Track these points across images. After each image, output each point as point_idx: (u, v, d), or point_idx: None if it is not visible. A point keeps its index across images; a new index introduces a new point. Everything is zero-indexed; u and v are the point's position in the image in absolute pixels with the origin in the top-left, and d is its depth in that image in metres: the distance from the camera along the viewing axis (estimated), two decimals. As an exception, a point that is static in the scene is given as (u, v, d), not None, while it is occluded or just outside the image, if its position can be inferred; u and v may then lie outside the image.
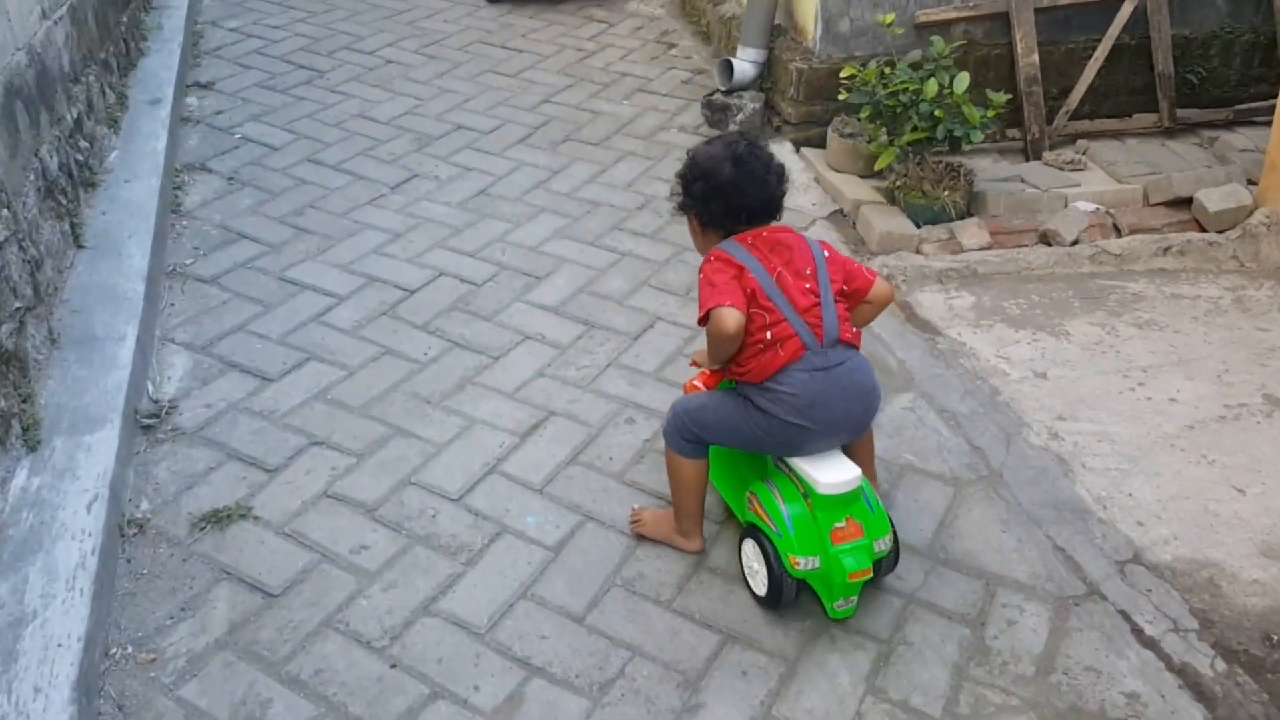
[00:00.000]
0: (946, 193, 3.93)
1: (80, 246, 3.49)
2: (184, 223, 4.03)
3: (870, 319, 2.56)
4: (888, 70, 3.96)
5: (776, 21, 4.78)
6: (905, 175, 4.01)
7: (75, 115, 3.76)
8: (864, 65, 4.11)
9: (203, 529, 2.64)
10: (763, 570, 2.44)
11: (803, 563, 2.35)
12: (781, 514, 2.39)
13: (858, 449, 2.55)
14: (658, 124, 5.00)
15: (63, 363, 2.97)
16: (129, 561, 2.55)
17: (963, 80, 3.79)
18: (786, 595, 2.41)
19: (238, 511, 2.68)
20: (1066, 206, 4.06)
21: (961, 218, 3.97)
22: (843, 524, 2.35)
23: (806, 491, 2.39)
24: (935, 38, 3.99)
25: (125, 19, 4.96)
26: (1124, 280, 3.79)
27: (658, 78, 5.49)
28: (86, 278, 3.37)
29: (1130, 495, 2.86)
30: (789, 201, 3.87)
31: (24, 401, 2.69)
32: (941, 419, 3.09)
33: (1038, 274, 3.79)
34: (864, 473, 2.43)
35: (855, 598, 2.41)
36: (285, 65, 5.49)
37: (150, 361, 3.21)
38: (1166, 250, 3.85)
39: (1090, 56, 4.57)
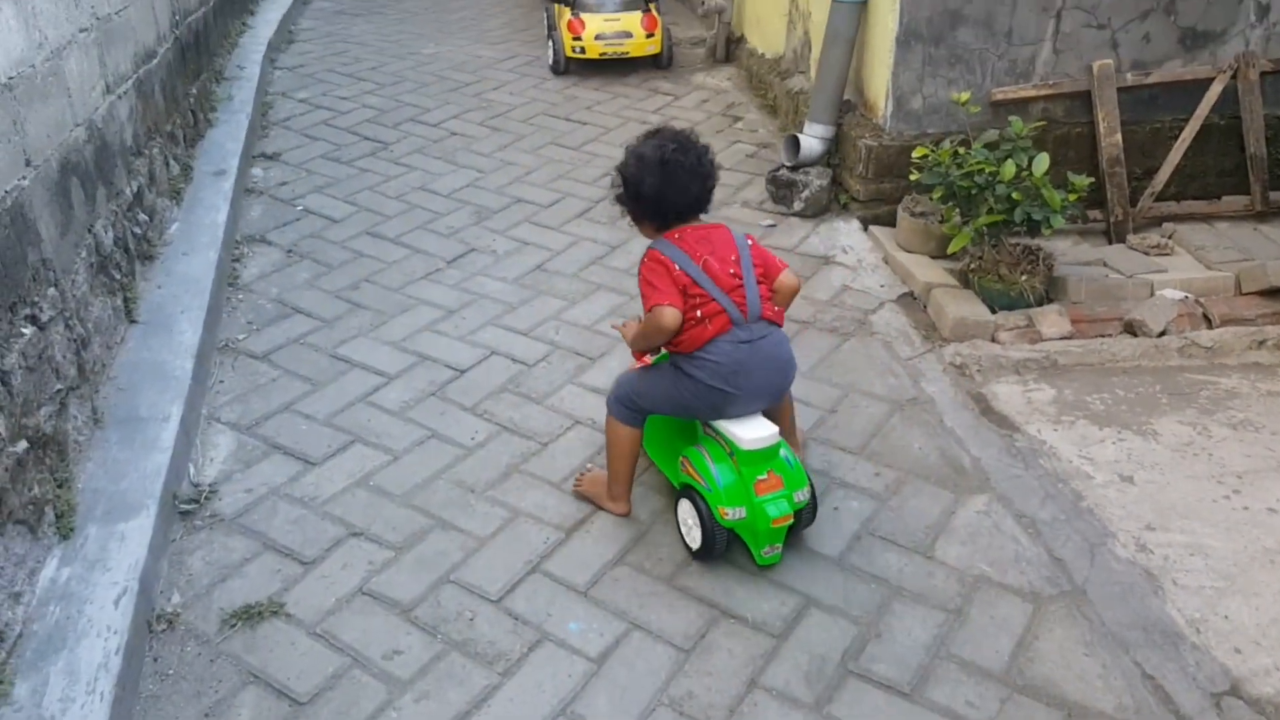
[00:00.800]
0: (1025, 277, 3.74)
1: (132, 321, 3.46)
2: (240, 296, 4.00)
3: (784, 305, 2.81)
4: (962, 150, 3.80)
5: (846, 97, 4.66)
6: (980, 258, 3.83)
7: (135, 188, 3.76)
8: (937, 144, 3.96)
9: (233, 626, 2.52)
10: (697, 525, 2.72)
11: (731, 513, 2.64)
12: (711, 472, 2.68)
13: (780, 416, 2.87)
14: (721, 198, 4.88)
15: (104, 444, 2.90)
16: (155, 660, 2.43)
17: (1042, 162, 3.61)
18: (719, 544, 2.70)
19: (270, 608, 2.56)
20: (1153, 294, 3.84)
21: (1040, 304, 3.77)
22: (764, 476, 2.65)
23: (731, 450, 2.68)
24: (1013, 117, 3.83)
25: (195, 90, 5.01)
26: (1215, 375, 3.55)
27: (722, 151, 5.40)
28: (136, 354, 3.32)
29: (1226, 618, 2.61)
30: (855, 283, 3.76)
31: (60, 487, 2.61)
32: (1020, 526, 2.87)
33: (1123, 366, 3.56)
34: (784, 425, 2.84)
35: (780, 545, 2.71)
36: (351, 137, 5.51)
37: (194, 443, 3.13)
38: (1261, 344, 3.60)
39: (1176, 136, 4.37)
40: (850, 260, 4.25)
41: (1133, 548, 2.81)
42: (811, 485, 2.74)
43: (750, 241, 2.76)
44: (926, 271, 4.00)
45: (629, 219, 2.79)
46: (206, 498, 2.93)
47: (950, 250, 3.86)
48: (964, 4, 4.18)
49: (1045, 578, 2.71)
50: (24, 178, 2.71)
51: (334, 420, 3.31)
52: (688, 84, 6.39)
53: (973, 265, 3.86)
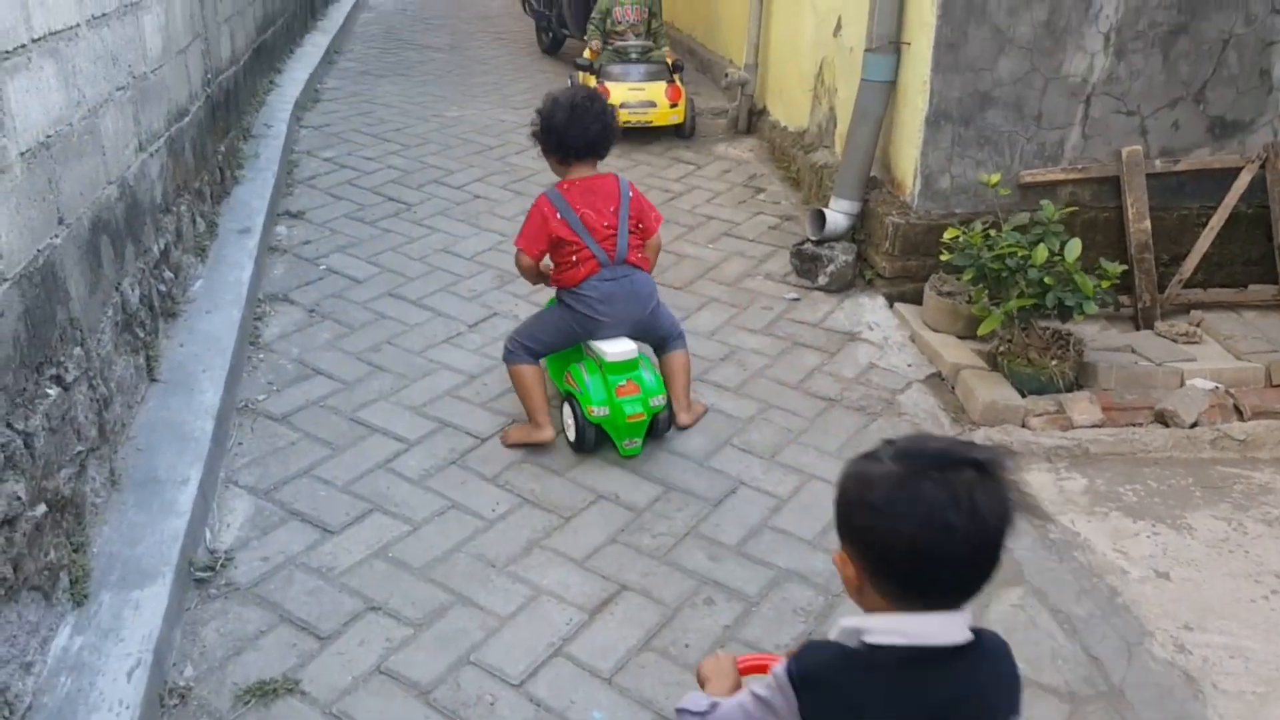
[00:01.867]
0: (1055, 362, 3.70)
1: (154, 380, 3.42)
2: (261, 355, 3.97)
3: (650, 258, 3.54)
4: (993, 233, 3.79)
5: (872, 174, 4.67)
6: (1010, 340, 3.80)
7: (163, 246, 3.74)
8: (964, 224, 3.96)
9: (246, 703, 2.44)
10: (573, 421, 3.40)
11: (597, 410, 3.33)
12: (584, 380, 3.37)
13: (673, 377, 3.55)
14: (744, 270, 4.88)
15: (120, 506, 2.84)
16: (164, 737, 2.36)
17: (1074, 247, 3.60)
18: (589, 438, 3.39)
19: (285, 685, 2.49)
20: (1183, 384, 3.79)
21: (1070, 389, 3.73)
22: (624, 383, 3.33)
23: (600, 363, 3.37)
24: (1045, 201, 3.82)
25: (223, 148, 5.03)
26: (1248, 469, 3.49)
27: (745, 222, 5.40)
28: (156, 414, 3.28)
29: (1271, 726, 2.53)
30: (882, 361, 3.77)
31: (75, 551, 2.55)
32: (1055, 621, 2.80)
33: (1154, 457, 3.51)
34: (677, 393, 3.54)
35: (639, 440, 3.39)
36: (375, 197, 5.52)
37: (211, 507, 3.08)
38: (1295, 437, 3.55)
39: (1204, 223, 4.36)
40: (876, 338, 4.22)
41: (1171, 648, 2.74)
42: (668, 396, 3.45)
43: (632, 194, 3.41)
44: (954, 352, 3.97)
45: (539, 151, 3.42)
46: (222, 565, 2.87)
47: (981, 332, 3.83)
48: (994, 87, 4.20)
49: (1082, 677, 2.63)
50: (56, 236, 2.69)
51: (353, 487, 3.25)
52: (710, 154, 6.42)
53: (1001, 348, 3.83)
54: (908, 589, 1.33)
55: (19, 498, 2.28)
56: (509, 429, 3.54)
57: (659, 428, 3.47)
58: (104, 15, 3.25)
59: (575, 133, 3.30)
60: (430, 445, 3.48)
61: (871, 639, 1.32)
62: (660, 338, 3.58)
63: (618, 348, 3.35)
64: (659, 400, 3.38)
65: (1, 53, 2.44)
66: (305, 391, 3.75)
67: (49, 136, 2.70)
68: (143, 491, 2.92)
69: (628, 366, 3.35)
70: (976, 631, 1.34)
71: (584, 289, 3.35)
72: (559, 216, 3.31)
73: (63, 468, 2.55)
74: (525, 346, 3.46)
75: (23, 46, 2.57)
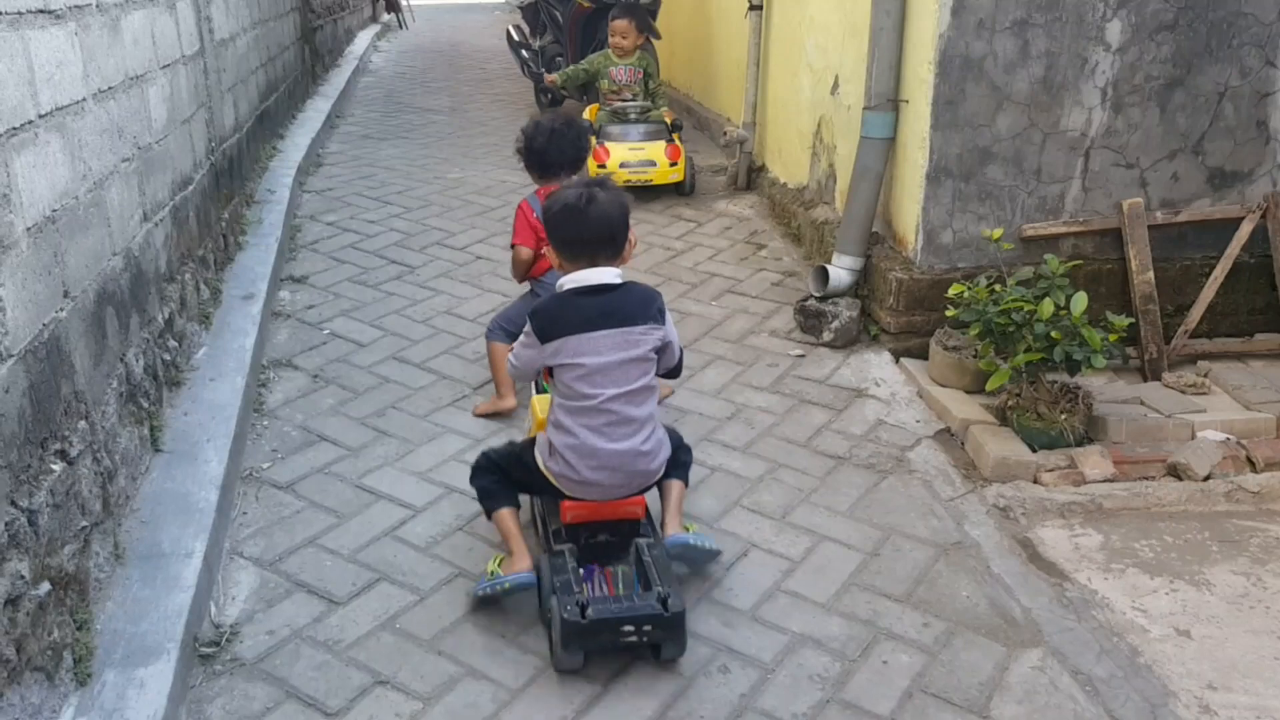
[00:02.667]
0: (1064, 416, 3.67)
1: (158, 450, 3.40)
2: (265, 422, 3.94)
3: None
4: (998, 287, 3.79)
5: (874, 229, 4.68)
6: (1018, 395, 3.77)
7: (167, 315, 3.74)
8: (967, 278, 3.96)
9: (252, 783, 2.39)
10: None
11: None
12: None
13: None
14: (748, 327, 4.87)
15: (124, 581, 2.80)
16: (169, 821, 2.30)
17: (1080, 301, 3.59)
18: None
19: (292, 765, 2.44)
20: (1194, 436, 3.77)
21: (1080, 443, 3.70)
22: None
23: None
24: (1049, 256, 3.83)
25: (227, 215, 5.05)
26: (1265, 521, 3.45)
27: (747, 279, 5.41)
28: (160, 485, 3.25)
29: (1303, 789, 2.46)
30: (890, 417, 3.81)
31: (79, 629, 2.51)
32: (1077, 683, 2.74)
33: (1169, 511, 3.47)
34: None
35: None
36: (378, 260, 5.54)
37: (216, 579, 3.03)
38: (1311, 488, 3.51)
39: (1207, 274, 4.36)
40: (883, 394, 4.20)
41: (1195, 709, 2.68)
42: None
43: None
44: (962, 407, 3.94)
45: (522, 165, 4.05)
46: (228, 640, 2.82)
47: (989, 388, 3.80)
48: (993, 142, 4.23)
49: (1107, 742, 2.57)
50: (61, 309, 2.68)
51: (359, 556, 3.21)
52: (710, 211, 6.45)
53: (1010, 402, 3.80)
54: (572, 254, 2.83)
55: (22, 576, 2.24)
56: (479, 403, 4.07)
57: None
58: (110, 89, 3.27)
59: (554, 154, 3.92)
60: (437, 511, 3.44)
61: (564, 287, 2.81)
62: None
63: None
64: None
65: (9, 130, 2.45)
66: (310, 459, 3.73)
67: (55, 210, 2.71)
68: (147, 565, 2.88)
69: None
70: (629, 282, 2.86)
71: (548, 277, 3.88)
72: (534, 215, 3.82)
73: (67, 544, 2.52)
74: (502, 328, 4.00)
75: (29, 122, 2.58)
